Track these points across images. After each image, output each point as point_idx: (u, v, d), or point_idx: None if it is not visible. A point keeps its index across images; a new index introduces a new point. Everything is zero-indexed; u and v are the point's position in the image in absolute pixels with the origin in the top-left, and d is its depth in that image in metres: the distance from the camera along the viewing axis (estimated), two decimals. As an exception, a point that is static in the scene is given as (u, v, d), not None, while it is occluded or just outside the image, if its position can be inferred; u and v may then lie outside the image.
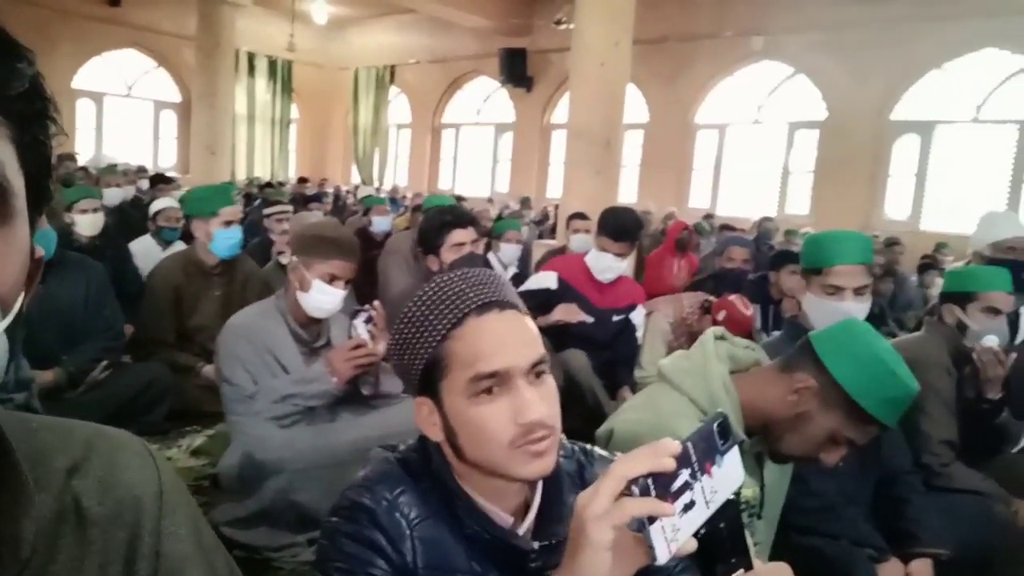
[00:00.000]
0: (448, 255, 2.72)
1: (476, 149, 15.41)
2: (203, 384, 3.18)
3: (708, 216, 10.17)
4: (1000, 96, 9.62)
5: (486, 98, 15.14)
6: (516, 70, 13.48)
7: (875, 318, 5.21)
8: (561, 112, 13.42)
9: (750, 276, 4.57)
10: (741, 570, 0.75)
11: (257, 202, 8.75)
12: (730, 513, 0.74)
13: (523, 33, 13.46)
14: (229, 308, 2.97)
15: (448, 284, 0.94)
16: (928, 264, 6.80)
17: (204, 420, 3.13)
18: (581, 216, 4.75)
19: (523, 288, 3.38)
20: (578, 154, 6.10)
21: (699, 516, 0.71)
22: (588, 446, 1.12)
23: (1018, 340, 3.10)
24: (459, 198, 9.88)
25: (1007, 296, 2.44)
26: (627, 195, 10.91)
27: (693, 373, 1.54)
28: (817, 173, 10.90)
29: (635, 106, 11.60)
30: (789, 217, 10.50)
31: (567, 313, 3.25)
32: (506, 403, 0.89)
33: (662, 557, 0.69)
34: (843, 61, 10.31)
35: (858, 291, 2.14)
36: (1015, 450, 2.71)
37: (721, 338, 1.59)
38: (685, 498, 0.70)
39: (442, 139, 15.94)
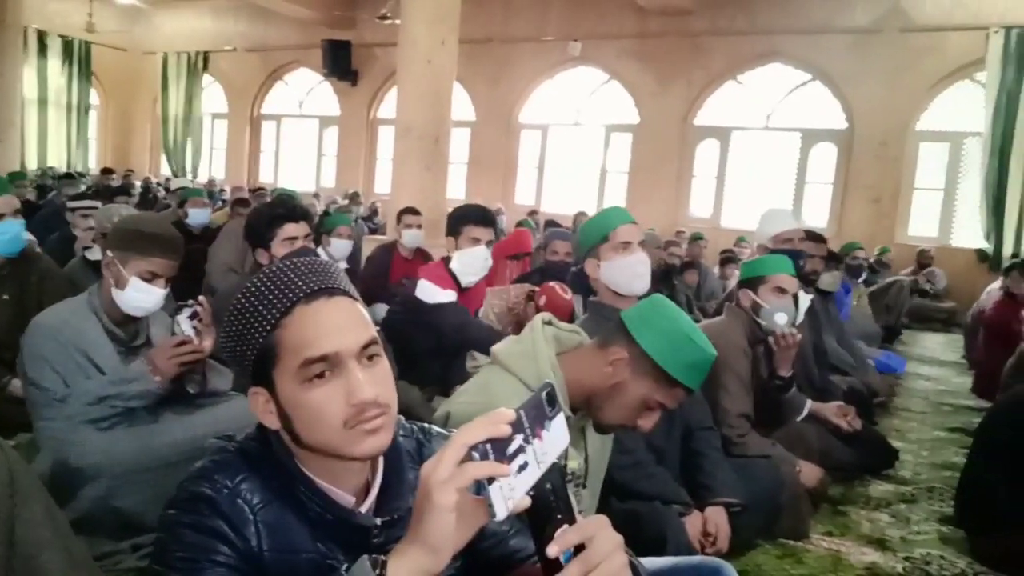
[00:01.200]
0: (280, 249, 2.67)
1: (299, 142, 14.94)
2: (13, 398, 2.81)
3: (533, 212, 10.55)
4: (786, 106, 10.75)
5: (309, 90, 14.71)
6: (340, 63, 13.21)
7: (680, 307, 5.66)
8: (388, 107, 13.33)
9: (572, 270, 4.83)
10: (566, 525, 0.84)
11: (52, 194, 8.00)
12: (555, 475, 0.83)
13: (347, 26, 13.22)
14: (24, 312, 2.70)
15: (277, 274, 0.95)
16: (728, 257, 7.46)
17: (5, 432, 2.84)
18: (412, 211, 4.78)
19: (435, 301, 3.15)
20: (407, 150, 6.12)
21: (532, 476, 0.79)
22: (426, 425, 1.16)
23: (798, 321, 3.54)
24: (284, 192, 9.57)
25: (791, 278, 2.81)
26: (455, 191, 11.05)
27: (523, 356, 1.64)
28: (631, 173, 11.64)
29: (462, 104, 11.78)
30: (607, 214, 11.12)
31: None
32: (338, 385, 0.92)
33: (501, 514, 0.76)
34: (651, 69, 11.09)
35: (642, 244, 2.41)
36: (799, 419, 3.10)
37: (548, 323, 1.71)
38: (519, 460, 0.78)
39: (262, 131, 15.29)
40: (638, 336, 1.55)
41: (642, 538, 1.85)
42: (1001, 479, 2.39)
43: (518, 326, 3.51)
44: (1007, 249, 8.92)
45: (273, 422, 0.97)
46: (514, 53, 12.05)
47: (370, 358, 0.94)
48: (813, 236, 4.15)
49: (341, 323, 0.94)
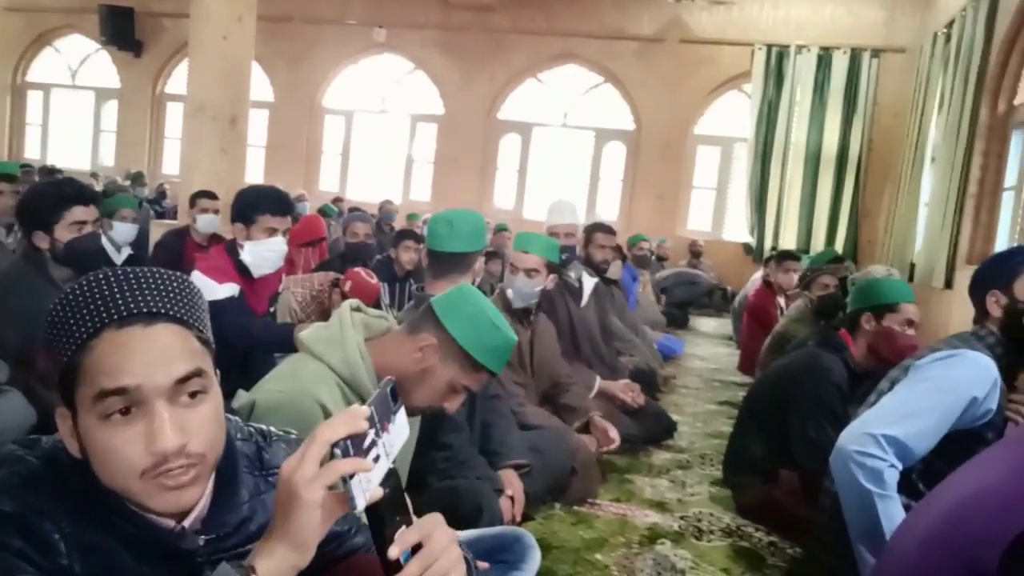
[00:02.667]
0: (64, 234, 2.43)
1: (72, 116, 13.51)
2: None
3: (338, 199, 10.33)
4: (582, 106, 11.37)
5: (84, 59, 13.33)
6: (122, 32, 12.10)
7: (486, 295, 5.84)
8: (178, 82, 12.42)
9: (377, 257, 4.84)
10: (404, 526, 0.89)
11: None
12: (392, 479, 0.87)
13: (129, -9, 12.14)
14: None
15: (95, 287, 0.85)
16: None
17: None
18: (208, 195, 4.53)
19: (212, 297, 2.91)
20: (199, 130, 5.76)
21: (383, 468, 0.84)
22: (264, 427, 1.12)
23: (583, 304, 3.81)
24: (53, 169, 8.65)
25: (523, 255, 2.93)
26: (254, 175, 10.55)
27: (331, 342, 1.65)
28: (436, 163, 11.76)
29: (260, 85, 11.25)
30: (413, 203, 11.19)
31: None
32: (140, 428, 0.82)
33: (360, 506, 0.80)
34: (455, 62, 11.26)
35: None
36: (591, 395, 3.35)
37: (357, 309, 1.73)
38: (373, 453, 0.82)
39: (27, 101, 13.66)
40: (447, 322, 1.61)
41: (460, 513, 1.95)
42: (758, 442, 2.75)
43: (323, 314, 3.46)
44: (767, 243, 10.07)
45: (75, 449, 0.86)
46: (316, 35, 11.70)
47: (192, 395, 0.86)
48: (604, 228, 4.47)
49: (153, 354, 0.83)
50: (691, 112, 10.69)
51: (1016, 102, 6.43)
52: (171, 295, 0.88)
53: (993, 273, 2.01)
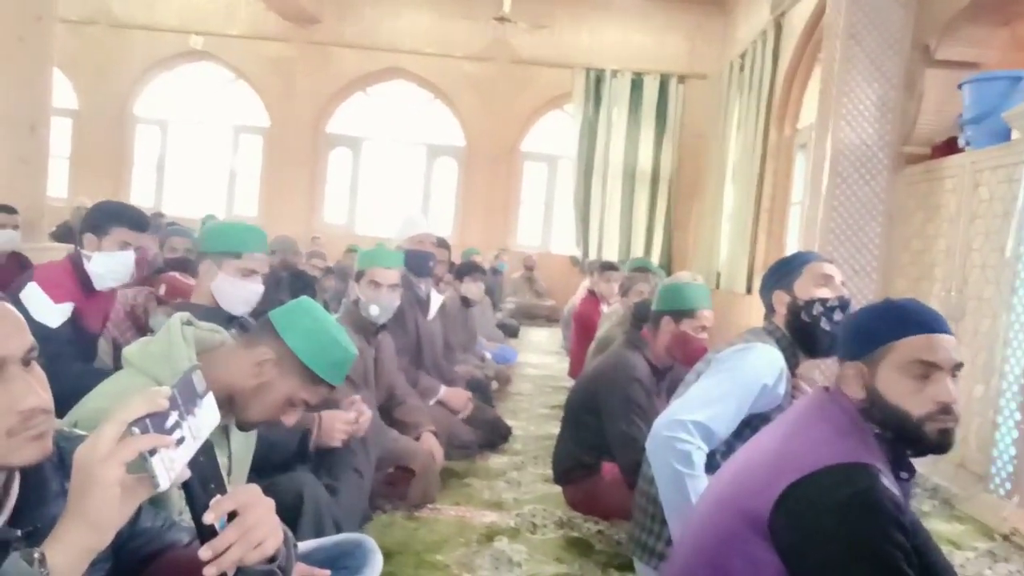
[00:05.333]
0: None
1: None
2: None
3: (158, 215, 9.70)
4: (412, 121, 11.45)
5: None
6: None
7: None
8: (-41, 86, 11.13)
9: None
10: (218, 495, 0.92)
11: None
12: (207, 450, 0.90)
13: (-103, -19, 10.76)
14: None
15: None
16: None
17: None
18: (6, 209, 4.14)
19: (40, 319, 2.63)
20: (-7, 138, 5.25)
21: (190, 450, 0.86)
22: (65, 428, 1.11)
23: (430, 317, 3.88)
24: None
25: (387, 271, 2.93)
26: (57, 188, 9.68)
27: (159, 357, 1.60)
28: (263, 177, 11.36)
29: (62, 92, 10.35)
30: (238, 216, 10.72)
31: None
32: (1, 392, 0.87)
33: (164, 484, 0.81)
34: (280, 72, 10.96)
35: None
36: (431, 402, 3.42)
37: (188, 323, 1.69)
38: (177, 434, 0.84)
39: None
40: (286, 336, 1.61)
41: (281, 507, 1.96)
42: (580, 439, 2.94)
43: (140, 331, 3.31)
44: (592, 254, 10.63)
45: None
46: (125, 39, 10.93)
47: (27, 363, 0.90)
48: (440, 242, 4.57)
49: (7, 326, 0.89)
50: (517, 130, 11.09)
51: (799, 126, 7.27)
52: None
53: (777, 275, 2.28)
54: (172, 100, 11.54)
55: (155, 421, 0.81)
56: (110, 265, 2.80)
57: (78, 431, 1.12)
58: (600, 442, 2.83)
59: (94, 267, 2.79)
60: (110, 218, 2.82)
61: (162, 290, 3.20)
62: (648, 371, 2.82)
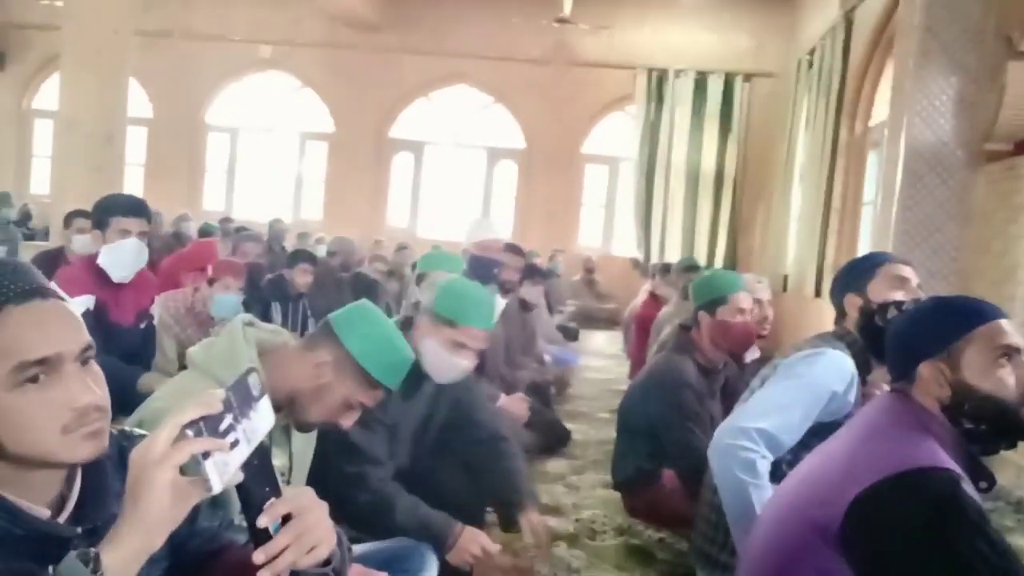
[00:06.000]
0: None
1: (-76, 132, 12.49)
2: None
3: (226, 220, 10.00)
4: (473, 125, 11.52)
5: (-62, 71, 12.39)
6: (-19, 43, 11.34)
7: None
8: (47, 98, 11.71)
9: (268, 276, 4.75)
10: (274, 498, 0.91)
11: None
12: (261, 453, 0.90)
13: (-10, 0, 11.39)
14: None
15: None
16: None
17: None
18: (83, 214, 4.31)
19: None
20: (72, 148, 5.49)
21: (243, 453, 0.86)
22: (125, 428, 1.13)
23: (492, 322, 3.87)
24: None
25: (446, 276, 2.94)
26: (133, 194, 10.08)
27: (221, 358, 1.63)
28: (328, 182, 11.60)
29: (138, 102, 10.78)
30: (304, 221, 10.97)
31: None
32: (55, 389, 0.87)
33: (217, 488, 0.81)
34: (345, 80, 11.17)
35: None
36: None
37: (249, 324, 1.72)
38: (231, 437, 0.84)
39: None
40: (344, 339, 1.62)
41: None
42: (637, 446, 2.88)
43: (201, 326, 3.42)
44: (654, 257, 10.49)
45: None
46: (198, 50, 11.30)
47: (85, 362, 0.91)
48: (513, 249, 4.53)
49: (60, 325, 0.89)
50: (578, 132, 11.03)
51: (871, 123, 7.02)
52: (44, 279, 0.93)
53: (849, 277, 2.19)
54: (241, 108, 11.88)
55: (209, 424, 0.81)
56: (115, 253, 2.83)
57: (139, 431, 1.14)
58: (658, 449, 2.77)
59: (103, 259, 2.84)
60: (106, 211, 2.87)
61: (211, 271, 3.31)
62: (698, 374, 2.75)
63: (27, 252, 5.41)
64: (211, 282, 3.40)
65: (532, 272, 4.92)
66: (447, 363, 2.16)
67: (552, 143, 10.93)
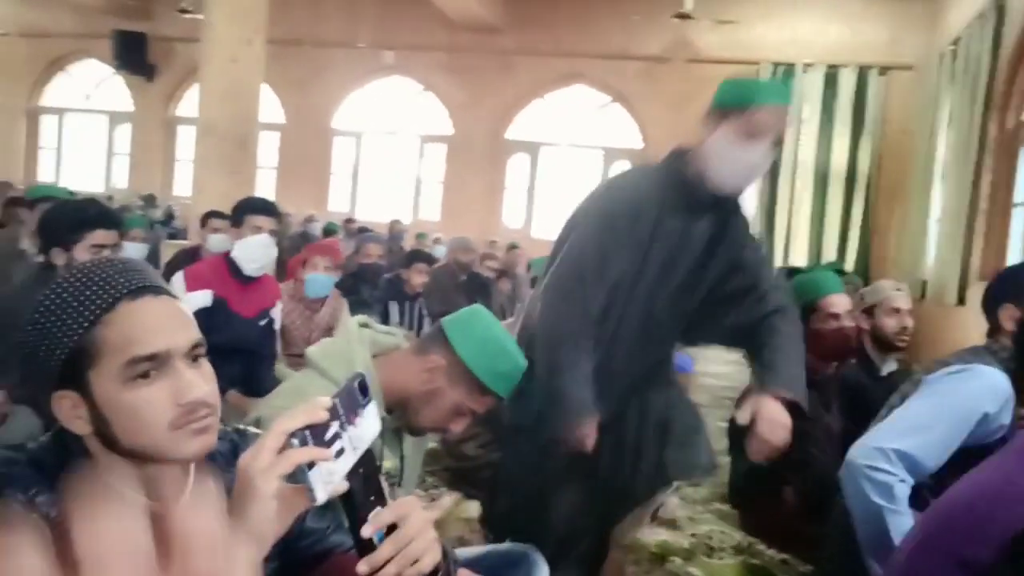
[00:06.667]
0: (83, 254, 2.44)
1: (86, 139, 13.67)
2: None
3: (349, 220, 10.39)
4: (589, 125, 11.43)
5: (98, 83, 13.52)
6: (134, 56, 12.28)
7: (495, 315, 5.84)
8: (189, 105, 12.57)
9: (386, 276, 4.86)
10: (379, 507, 0.89)
11: None
12: (368, 460, 0.88)
13: (142, 17, 12.33)
14: None
15: (93, 271, 0.90)
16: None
17: None
18: (219, 215, 4.56)
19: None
20: (210, 151, 5.83)
21: (348, 461, 0.84)
22: (240, 426, 1.14)
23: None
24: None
25: None
26: (266, 196, 10.66)
27: (337, 358, 1.64)
28: (446, 183, 11.83)
29: (270, 107, 11.38)
30: (422, 222, 11.24)
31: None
32: (165, 385, 0.88)
33: (321, 498, 0.80)
34: (463, 83, 11.36)
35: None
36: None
37: (364, 325, 1.73)
38: (337, 446, 0.82)
39: (41, 125, 13.83)
40: (456, 345, 1.59)
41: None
42: (749, 462, 2.71)
43: (311, 313, 3.58)
44: (778, 260, 10.03)
45: (83, 428, 0.90)
46: (326, 58, 11.83)
47: (195, 359, 0.92)
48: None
49: (170, 321, 0.90)
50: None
51: (1023, 118, 6.43)
52: (158, 276, 0.95)
53: (1006, 287, 1.99)
54: (365, 113, 12.30)
55: (315, 432, 0.80)
56: (248, 249, 3.04)
57: (253, 429, 1.15)
58: (774, 466, 2.60)
59: (236, 253, 3.05)
60: (241, 210, 3.15)
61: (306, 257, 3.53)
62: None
63: (168, 250, 5.78)
64: (304, 263, 3.55)
65: None
66: (741, 159, 1.89)
67: (671, 142, 10.59)
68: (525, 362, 1.67)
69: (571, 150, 11.55)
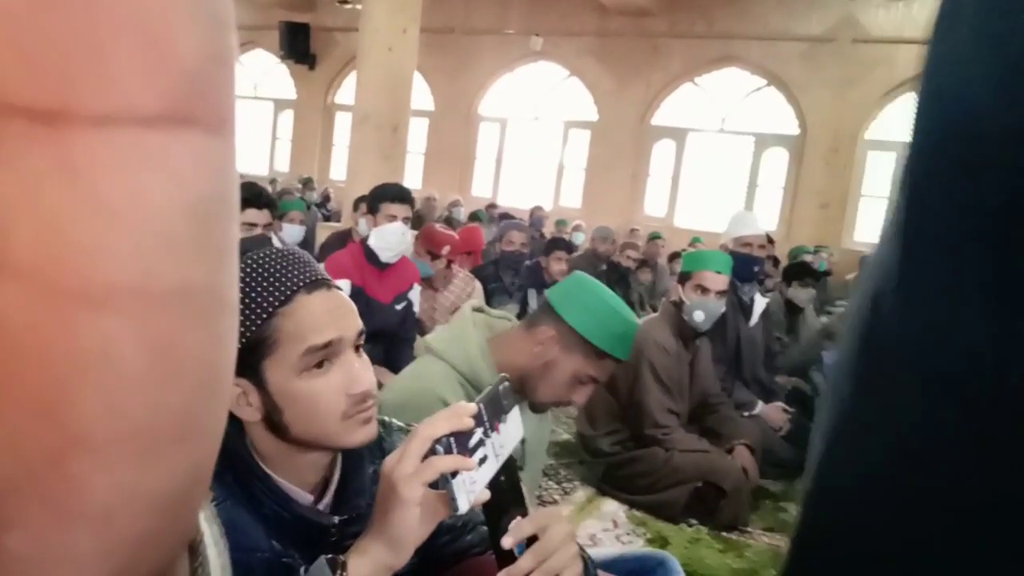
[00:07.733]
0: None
1: (253, 125, 14.67)
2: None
3: (491, 206, 10.54)
4: (741, 110, 10.94)
5: (265, 73, 14.45)
6: (298, 46, 13.01)
7: (634, 306, 5.73)
8: (346, 93, 13.17)
9: (526, 263, 4.87)
10: (519, 517, 0.86)
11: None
12: (509, 468, 0.85)
13: (306, 8, 13.01)
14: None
15: (268, 263, 0.92)
16: (678, 255, 7.57)
17: None
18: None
19: None
20: (364, 137, 6.06)
21: (491, 469, 0.81)
22: (385, 418, 1.16)
23: (752, 323, 3.61)
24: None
25: (717, 276, 2.78)
26: (412, 181, 10.99)
27: (453, 341, 1.67)
28: (588, 170, 11.72)
29: (421, 94, 11.71)
30: (563, 209, 11.21)
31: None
32: (337, 375, 0.91)
33: (463, 507, 0.78)
34: (610, 68, 11.17)
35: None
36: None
37: (478, 310, 1.74)
38: (480, 453, 0.80)
39: (216, 113, 14.96)
40: (564, 313, 1.59)
41: None
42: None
43: (433, 293, 3.63)
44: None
45: (253, 415, 0.93)
46: (475, 45, 12.01)
47: (357, 348, 0.95)
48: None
49: (339, 311, 0.94)
50: (862, 116, 9.99)
51: None
52: (323, 271, 0.98)
53: None
54: (511, 99, 12.40)
55: (459, 440, 0.79)
56: (383, 235, 3.09)
57: (397, 423, 1.17)
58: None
59: (373, 240, 3.11)
60: (377, 198, 3.18)
61: (445, 250, 3.61)
62: None
63: (322, 232, 6.07)
64: (436, 256, 3.64)
65: (801, 271, 4.53)
66: None
67: (830, 128, 10.02)
68: (636, 320, 1.63)
69: (719, 137, 11.11)
